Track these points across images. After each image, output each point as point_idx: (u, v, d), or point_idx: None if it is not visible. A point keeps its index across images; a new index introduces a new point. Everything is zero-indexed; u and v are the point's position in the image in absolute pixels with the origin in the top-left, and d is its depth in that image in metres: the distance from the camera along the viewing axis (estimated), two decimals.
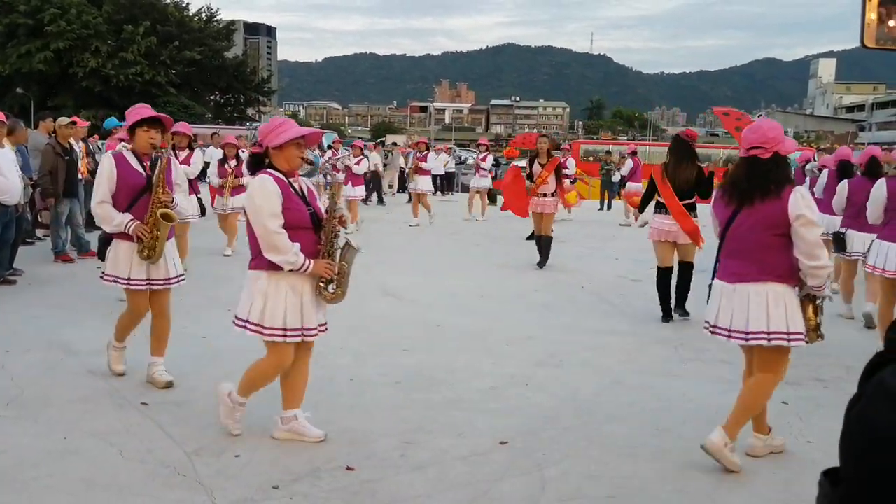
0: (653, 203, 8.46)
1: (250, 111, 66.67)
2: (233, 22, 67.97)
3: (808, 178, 12.20)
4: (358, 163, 15.45)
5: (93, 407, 5.05)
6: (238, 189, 11.02)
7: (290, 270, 4.29)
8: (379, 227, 16.22)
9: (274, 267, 4.30)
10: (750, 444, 4.65)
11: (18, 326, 7.05)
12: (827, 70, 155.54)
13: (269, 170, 4.41)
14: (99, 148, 13.92)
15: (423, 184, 17.13)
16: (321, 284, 4.46)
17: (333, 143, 21.60)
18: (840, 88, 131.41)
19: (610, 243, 14.18)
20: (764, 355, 4.49)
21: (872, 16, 1.31)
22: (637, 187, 18.91)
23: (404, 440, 4.66)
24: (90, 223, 12.54)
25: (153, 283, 5.46)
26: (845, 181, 8.73)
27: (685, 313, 8.27)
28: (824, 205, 9.21)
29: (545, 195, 11.11)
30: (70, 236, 10.79)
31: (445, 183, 26.33)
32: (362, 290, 9.20)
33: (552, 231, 11.35)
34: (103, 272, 5.49)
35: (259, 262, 4.37)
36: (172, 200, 5.46)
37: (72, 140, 10.85)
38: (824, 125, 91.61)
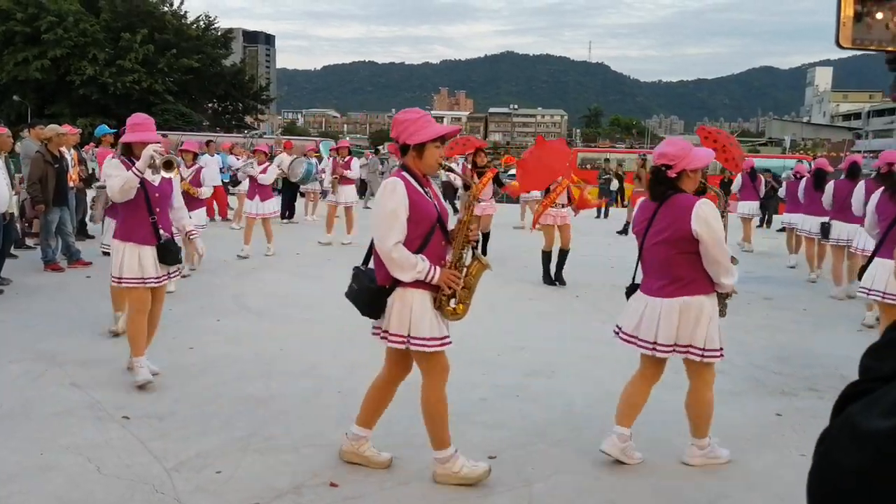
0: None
1: (248, 119, 66.71)
2: (231, 30, 67.93)
3: (784, 183, 14.34)
4: (264, 171, 12.31)
5: (73, 421, 4.94)
6: (195, 202, 9.56)
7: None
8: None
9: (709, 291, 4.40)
10: None
11: (3, 337, 6.95)
12: (824, 78, 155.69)
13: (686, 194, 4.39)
14: (93, 157, 13.78)
15: (346, 195, 14.15)
16: None
17: (331, 150, 21.50)
18: (837, 97, 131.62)
19: (605, 252, 14.07)
20: None
21: (849, 12, 1.22)
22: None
23: (390, 455, 4.56)
24: (81, 232, 12.46)
25: (444, 341, 4.22)
26: (832, 182, 10.50)
27: None
28: (805, 207, 11.65)
29: (563, 206, 10.78)
30: (60, 245, 10.66)
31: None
32: None
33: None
34: (386, 330, 4.17)
35: (699, 286, 4.34)
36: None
37: (62, 148, 10.75)
38: (821, 133, 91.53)
